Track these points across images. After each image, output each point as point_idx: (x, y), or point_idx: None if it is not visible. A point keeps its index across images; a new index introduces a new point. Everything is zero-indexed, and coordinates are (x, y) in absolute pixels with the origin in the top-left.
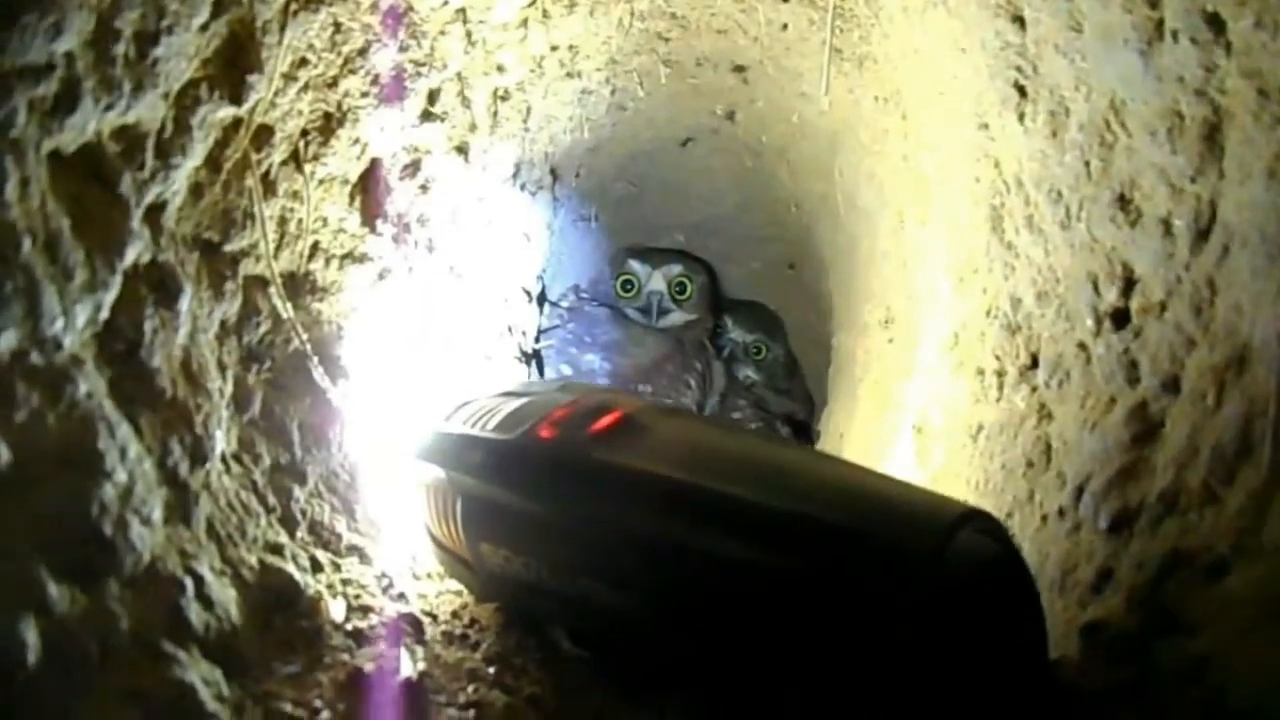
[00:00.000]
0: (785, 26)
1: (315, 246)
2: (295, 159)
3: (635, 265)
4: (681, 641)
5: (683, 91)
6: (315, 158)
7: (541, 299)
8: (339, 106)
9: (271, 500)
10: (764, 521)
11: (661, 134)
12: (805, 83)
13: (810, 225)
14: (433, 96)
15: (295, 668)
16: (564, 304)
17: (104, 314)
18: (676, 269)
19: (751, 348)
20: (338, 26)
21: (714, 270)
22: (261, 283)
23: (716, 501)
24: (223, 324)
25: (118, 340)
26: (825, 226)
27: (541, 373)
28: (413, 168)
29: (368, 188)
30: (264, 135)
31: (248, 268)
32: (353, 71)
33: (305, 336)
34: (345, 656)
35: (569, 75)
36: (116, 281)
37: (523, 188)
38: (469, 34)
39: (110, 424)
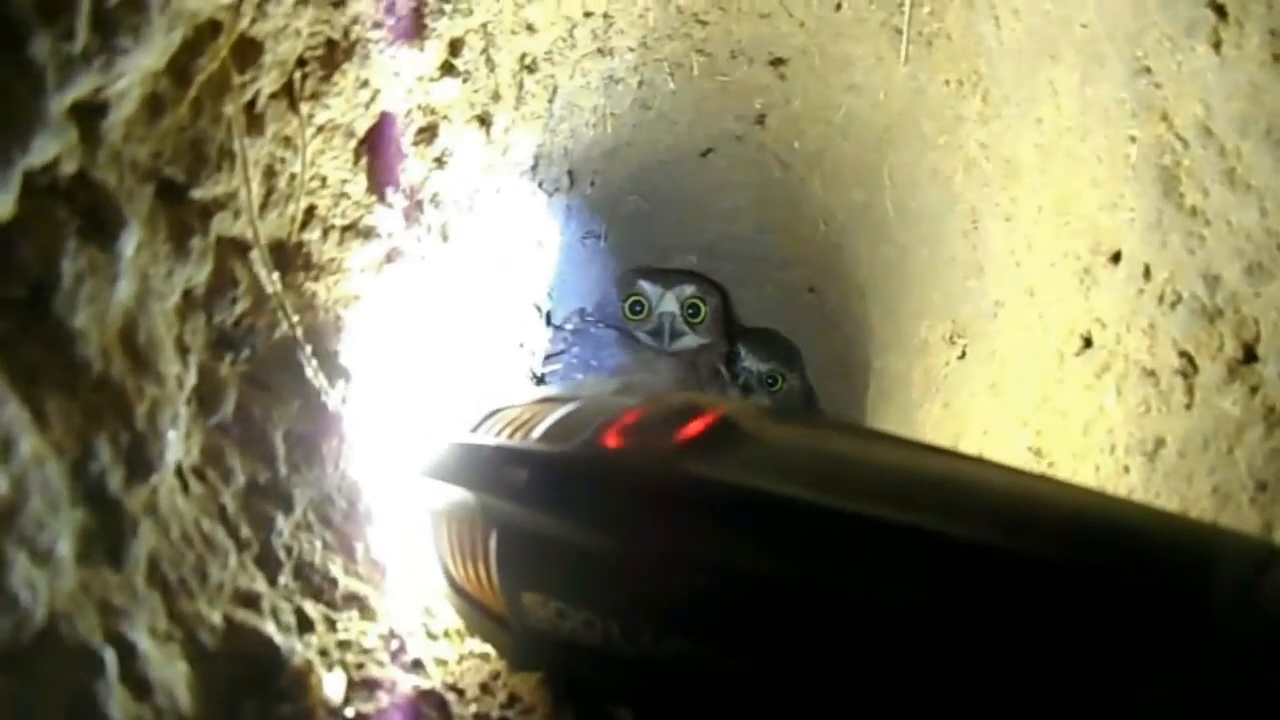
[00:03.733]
0: (839, 6)
1: (311, 211)
2: (289, 93)
3: (645, 286)
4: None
5: (711, 91)
6: (314, 96)
7: (548, 321)
8: (345, 34)
9: (245, 532)
10: (967, 561)
11: (682, 141)
12: (857, 72)
13: (840, 243)
14: (455, 47)
15: None
16: (569, 327)
17: None
18: (690, 289)
19: (767, 378)
20: None
21: (728, 293)
22: (240, 248)
23: (883, 532)
24: (187, 294)
25: (15, 278)
26: (862, 242)
27: None
28: (429, 133)
29: (377, 147)
30: (250, 52)
31: (223, 225)
32: None
33: (296, 321)
34: None
35: (600, 52)
36: (13, 183)
37: (541, 185)
38: None
39: None
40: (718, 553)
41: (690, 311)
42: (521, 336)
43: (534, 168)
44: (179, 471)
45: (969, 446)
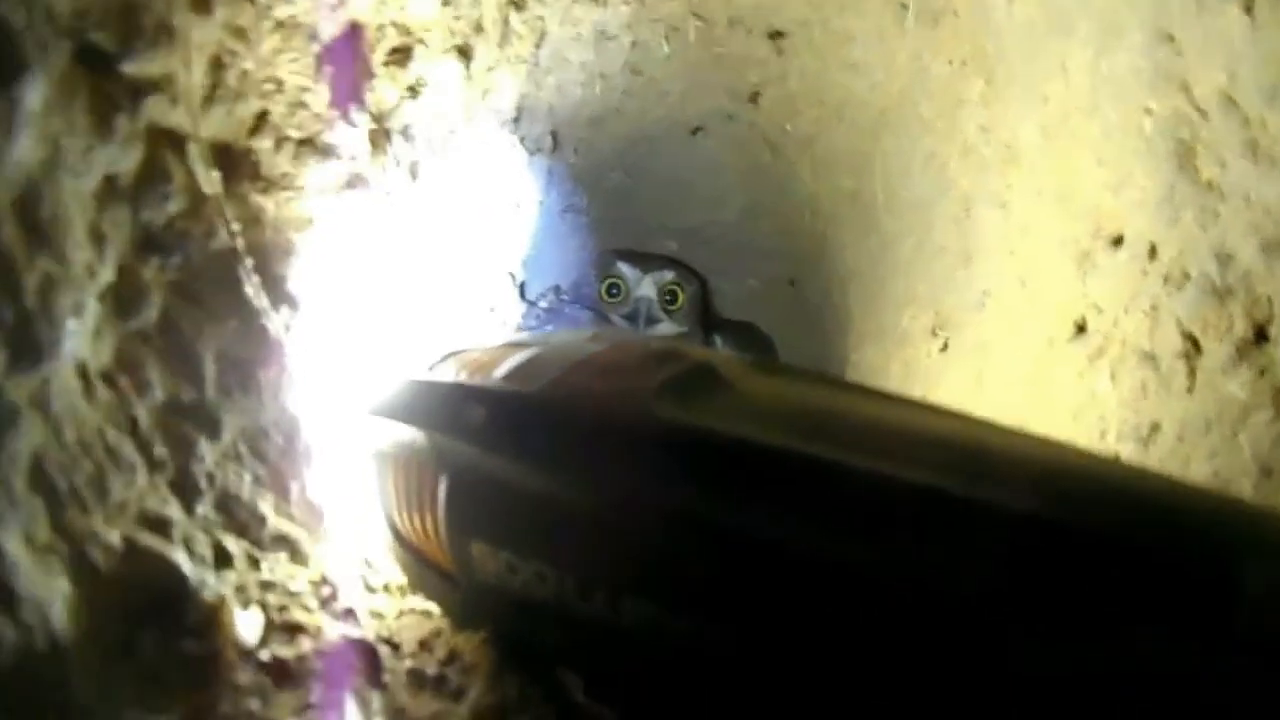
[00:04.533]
0: None
1: (263, 117)
2: None
3: (624, 268)
4: (809, 706)
5: (705, 61)
6: None
7: (520, 295)
8: None
9: (159, 452)
10: (989, 527)
11: (673, 114)
12: (857, 48)
13: (826, 232)
14: None
15: None
16: (543, 304)
17: None
18: (668, 275)
19: None
20: None
21: (706, 281)
22: (177, 141)
23: (892, 492)
24: (110, 179)
25: None
26: (848, 231)
27: None
28: (402, 55)
29: (343, 57)
30: None
31: (157, 110)
32: None
33: (238, 230)
34: (255, 705)
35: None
36: None
37: (522, 141)
38: None
39: None
40: (692, 505)
41: (668, 298)
42: (493, 301)
43: (516, 120)
44: (82, 372)
45: None
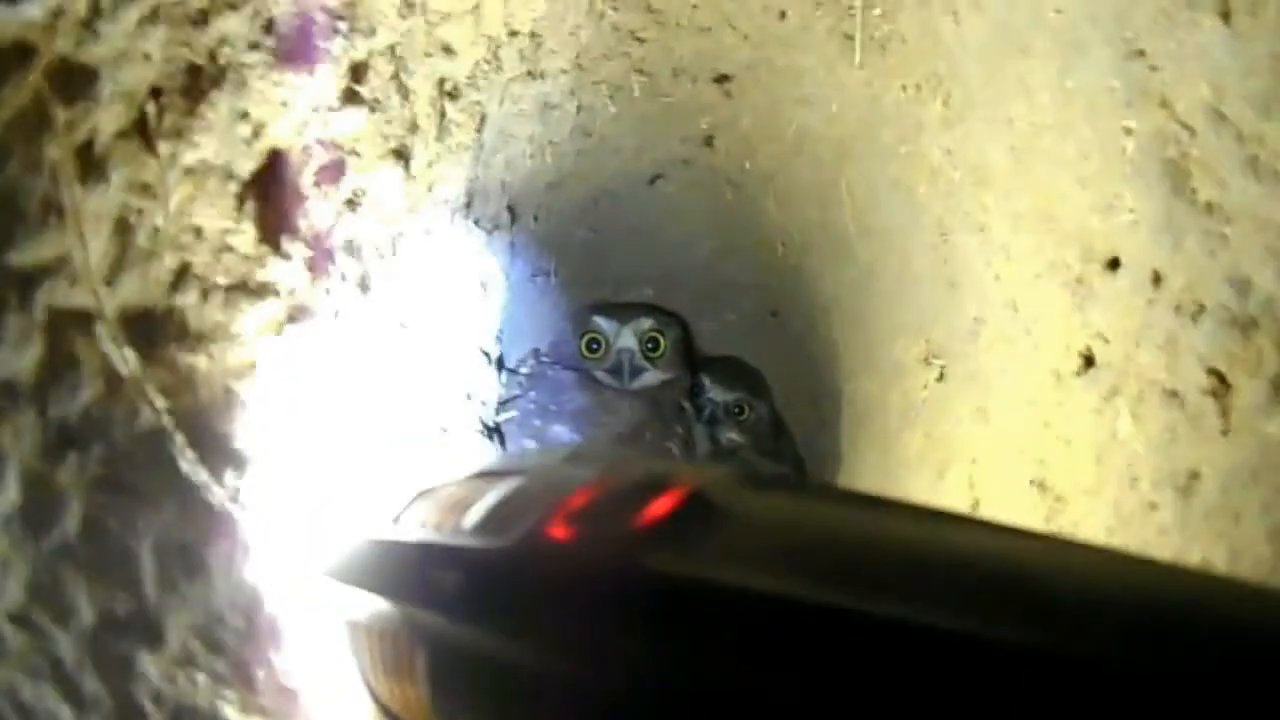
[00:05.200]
0: (784, 15)
1: (184, 271)
2: (142, 131)
3: (601, 322)
4: None
5: (654, 113)
6: (177, 133)
7: (500, 365)
8: (212, 58)
9: (90, 687)
10: (1010, 670)
11: (629, 167)
12: (807, 84)
13: (801, 264)
14: (358, 72)
15: None
16: (524, 370)
17: None
18: (647, 323)
19: (733, 407)
20: None
21: (687, 323)
22: (82, 322)
23: (908, 638)
24: (6, 384)
25: None
26: (823, 261)
27: (504, 450)
28: (334, 170)
29: (267, 190)
30: (79, 81)
31: (55, 295)
32: (232, 8)
33: (165, 406)
34: None
35: (531, 75)
36: None
37: (477, 223)
38: None
39: None
40: (695, 670)
41: (649, 346)
42: (468, 387)
43: (468, 205)
44: None
45: (957, 478)
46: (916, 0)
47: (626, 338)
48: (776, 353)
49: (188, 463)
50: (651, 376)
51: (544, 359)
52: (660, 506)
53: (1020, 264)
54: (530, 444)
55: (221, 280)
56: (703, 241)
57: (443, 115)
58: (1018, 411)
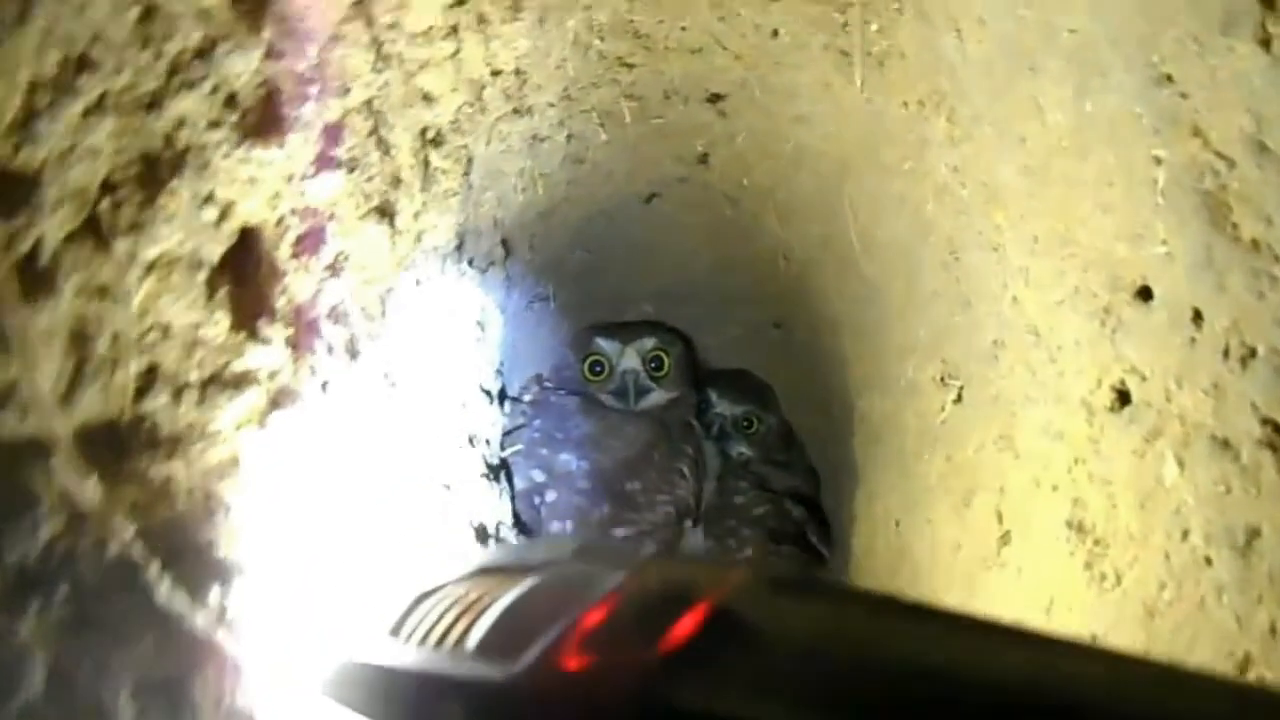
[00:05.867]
0: (776, 33)
1: (153, 371)
2: (95, 231)
3: (603, 344)
4: None
5: (647, 135)
6: (135, 227)
7: (502, 396)
8: (169, 143)
9: None
10: None
11: (622, 190)
12: (803, 101)
13: (804, 276)
14: (332, 134)
15: None
16: (527, 398)
17: None
18: (650, 342)
19: (742, 421)
20: (149, 10)
21: (690, 339)
22: (38, 452)
23: None
24: None
25: None
26: (828, 275)
27: (511, 485)
28: (314, 239)
29: (240, 272)
30: (15, 190)
31: (5, 426)
32: (188, 87)
33: (136, 529)
34: None
35: (517, 112)
36: None
37: (470, 263)
38: (377, 43)
39: None
40: None
41: (653, 365)
42: (471, 430)
43: (459, 247)
44: None
45: (984, 507)
46: (916, 15)
47: (630, 358)
48: (783, 364)
49: (164, 590)
50: (657, 396)
51: (547, 384)
52: (682, 628)
53: (1040, 288)
54: (537, 474)
55: (194, 377)
56: (702, 256)
57: (427, 164)
58: (1046, 444)
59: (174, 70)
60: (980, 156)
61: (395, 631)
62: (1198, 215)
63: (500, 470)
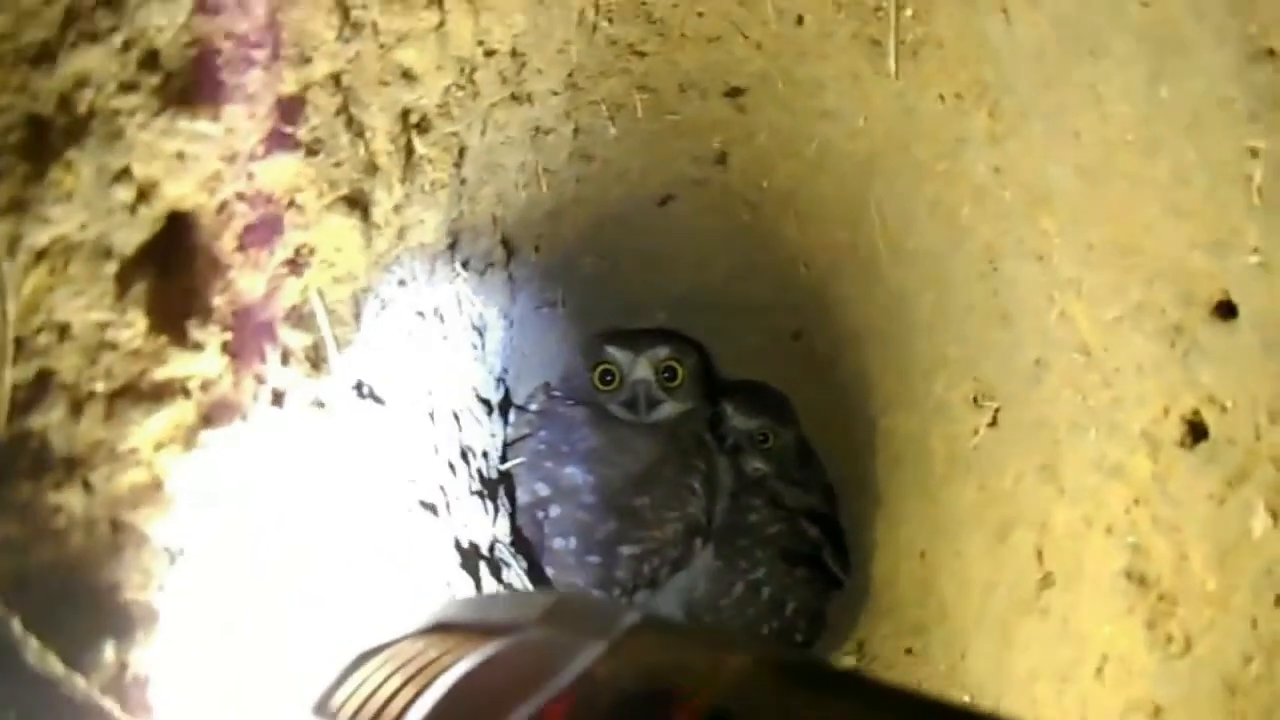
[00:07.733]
0: (800, 20)
1: (44, 380)
2: None
3: (614, 352)
4: None
5: (661, 132)
6: (18, 207)
7: (505, 405)
8: (66, 106)
9: None
10: None
11: (636, 191)
12: (829, 95)
13: (825, 285)
14: (289, 110)
15: None
16: (533, 407)
17: None
18: (663, 352)
19: (757, 435)
20: None
21: (705, 349)
22: None
23: None
24: None
25: None
26: (851, 284)
27: (512, 500)
28: (266, 229)
29: (165, 265)
30: None
31: None
32: (90, 39)
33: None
34: None
35: (515, 99)
36: None
37: (466, 264)
38: (343, 6)
39: None
40: None
41: (666, 376)
42: (464, 443)
43: (452, 246)
44: None
45: (1023, 545)
46: None
47: (642, 368)
48: (802, 376)
49: (32, 654)
50: (669, 408)
51: (555, 394)
52: None
53: (1095, 302)
54: (541, 487)
55: (100, 387)
56: (718, 262)
57: (410, 151)
58: (1099, 479)
59: (71, 17)
60: (1027, 155)
61: (323, 705)
62: None
63: (499, 486)
